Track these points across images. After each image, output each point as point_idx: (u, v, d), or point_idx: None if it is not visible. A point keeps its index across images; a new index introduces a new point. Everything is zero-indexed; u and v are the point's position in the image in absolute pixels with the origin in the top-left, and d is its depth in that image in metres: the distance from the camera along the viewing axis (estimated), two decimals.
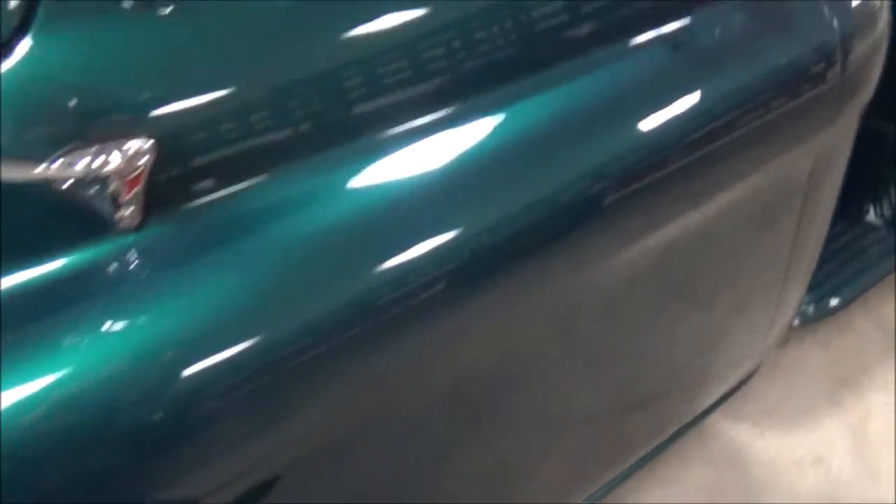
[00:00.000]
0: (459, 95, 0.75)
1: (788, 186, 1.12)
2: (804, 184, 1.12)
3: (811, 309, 1.58)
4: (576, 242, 0.82)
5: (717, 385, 1.37)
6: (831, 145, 1.12)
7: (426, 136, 0.73)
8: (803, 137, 1.07)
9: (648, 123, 0.86)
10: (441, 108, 0.74)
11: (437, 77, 0.74)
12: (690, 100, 0.90)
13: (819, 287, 1.64)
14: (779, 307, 1.32)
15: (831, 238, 1.40)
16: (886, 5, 1.13)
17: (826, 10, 1.03)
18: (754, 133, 0.97)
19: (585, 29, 0.84)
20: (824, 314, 1.60)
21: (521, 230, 0.75)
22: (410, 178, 0.71)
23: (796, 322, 1.60)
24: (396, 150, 0.72)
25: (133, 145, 0.62)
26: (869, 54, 1.08)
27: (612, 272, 0.90)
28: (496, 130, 0.76)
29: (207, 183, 0.66)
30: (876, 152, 1.67)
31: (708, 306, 1.17)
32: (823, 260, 1.41)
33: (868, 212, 1.76)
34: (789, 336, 1.67)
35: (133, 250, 0.62)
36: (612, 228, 0.85)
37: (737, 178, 1.01)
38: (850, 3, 1.07)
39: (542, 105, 0.79)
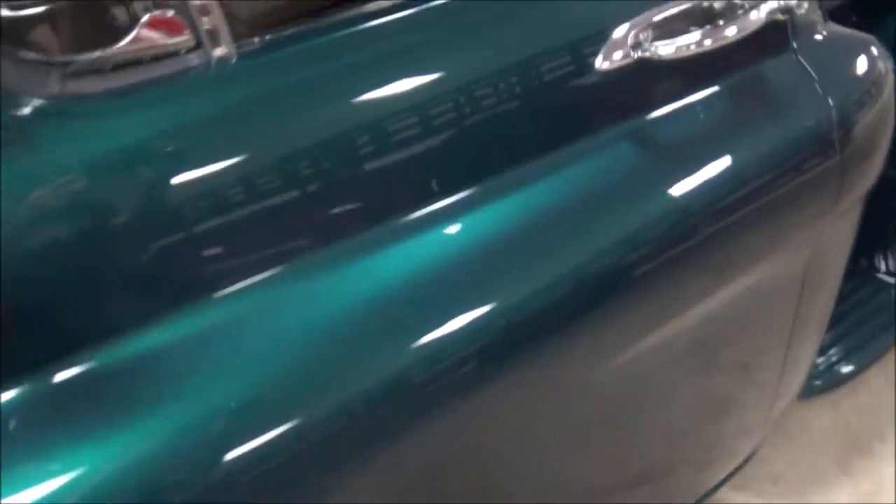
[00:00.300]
0: (471, 180, 0.74)
1: (782, 279, 1.01)
2: (800, 274, 1.01)
3: (820, 380, 1.46)
4: (580, 328, 0.79)
5: (719, 464, 1.28)
6: (830, 234, 1.01)
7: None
8: (797, 228, 0.97)
9: (634, 214, 0.81)
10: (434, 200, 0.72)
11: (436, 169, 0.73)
12: (675, 190, 0.83)
13: (829, 350, 1.52)
14: (780, 387, 1.22)
15: (841, 297, 1.29)
16: (890, 68, 1.02)
17: (818, 86, 0.92)
18: (742, 226, 0.88)
19: (590, 111, 0.81)
20: (835, 383, 1.48)
21: (533, 313, 0.73)
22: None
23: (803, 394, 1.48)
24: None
25: None
26: (872, 129, 0.97)
27: (614, 356, 0.86)
28: (509, 214, 0.75)
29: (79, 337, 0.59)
30: (886, 200, 1.54)
31: (703, 389, 1.10)
32: (833, 322, 1.30)
33: (879, 267, 1.64)
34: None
35: None
36: (608, 316, 0.81)
37: (725, 276, 0.92)
38: (848, 75, 0.96)
39: (543, 193, 0.77)
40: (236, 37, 0.68)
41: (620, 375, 0.89)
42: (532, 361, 0.75)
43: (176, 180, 0.62)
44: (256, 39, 0.70)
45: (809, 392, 1.49)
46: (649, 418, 1.02)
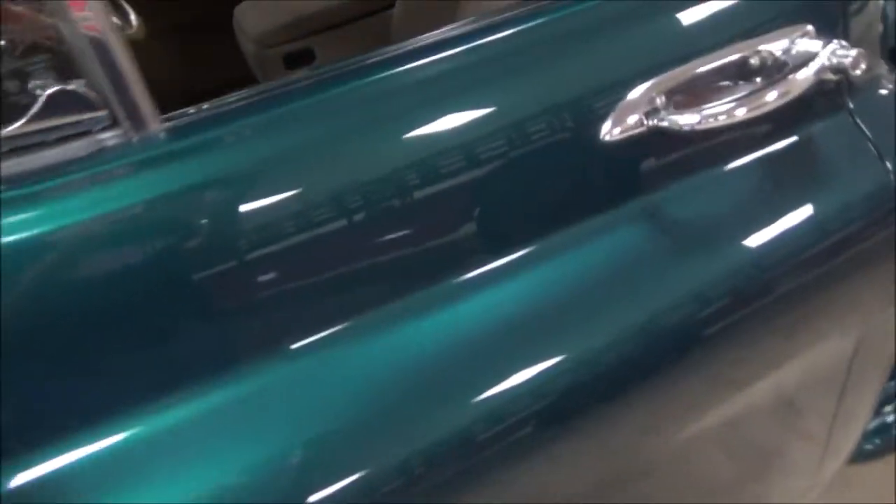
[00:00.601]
0: (530, 238, 0.69)
1: (827, 361, 0.88)
2: (846, 359, 0.88)
3: (871, 444, 1.32)
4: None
5: None
6: (886, 317, 0.88)
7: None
8: (846, 312, 0.85)
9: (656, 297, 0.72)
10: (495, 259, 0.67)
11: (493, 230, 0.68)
12: (715, 263, 0.74)
13: (889, 405, 1.38)
14: (828, 447, 1.11)
15: None
16: None
17: (874, 148, 0.79)
18: (788, 305, 0.78)
19: (596, 185, 0.72)
20: (889, 449, 1.34)
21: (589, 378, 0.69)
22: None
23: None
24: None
25: None
26: None
27: (674, 421, 0.81)
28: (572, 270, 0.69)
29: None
30: None
31: (747, 448, 1.00)
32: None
33: None
34: None
35: None
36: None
37: (759, 367, 0.82)
38: None
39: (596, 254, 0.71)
40: (164, 108, 0.57)
41: (671, 437, 0.82)
42: (590, 423, 0.71)
43: (78, 282, 0.54)
44: (192, 110, 0.59)
45: (862, 456, 1.36)
46: (692, 476, 0.94)
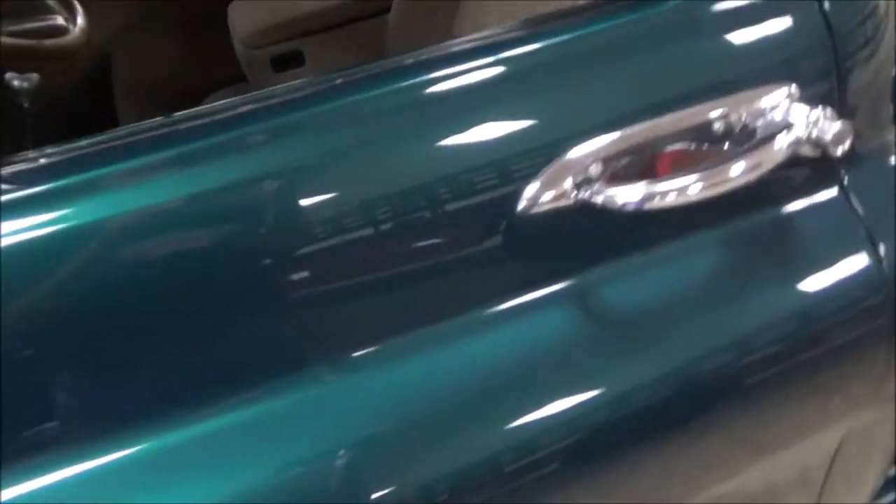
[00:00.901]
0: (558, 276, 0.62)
1: (807, 459, 0.79)
2: (829, 456, 0.78)
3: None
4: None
5: None
6: (874, 419, 0.77)
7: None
8: (830, 411, 0.75)
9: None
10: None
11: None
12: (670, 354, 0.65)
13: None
14: None
15: None
16: None
17: (866, 229, 0.68)
18: (755, 406, 0.69)
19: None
20: None
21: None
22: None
23: None
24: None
25: None
26: None
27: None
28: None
29: None
30: None
31: None
32: None
33: None
34: None
35: None
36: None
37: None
38: None
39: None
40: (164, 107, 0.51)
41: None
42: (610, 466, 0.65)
43: None
44: (32, 154, 0.51)
45: None
46: None
